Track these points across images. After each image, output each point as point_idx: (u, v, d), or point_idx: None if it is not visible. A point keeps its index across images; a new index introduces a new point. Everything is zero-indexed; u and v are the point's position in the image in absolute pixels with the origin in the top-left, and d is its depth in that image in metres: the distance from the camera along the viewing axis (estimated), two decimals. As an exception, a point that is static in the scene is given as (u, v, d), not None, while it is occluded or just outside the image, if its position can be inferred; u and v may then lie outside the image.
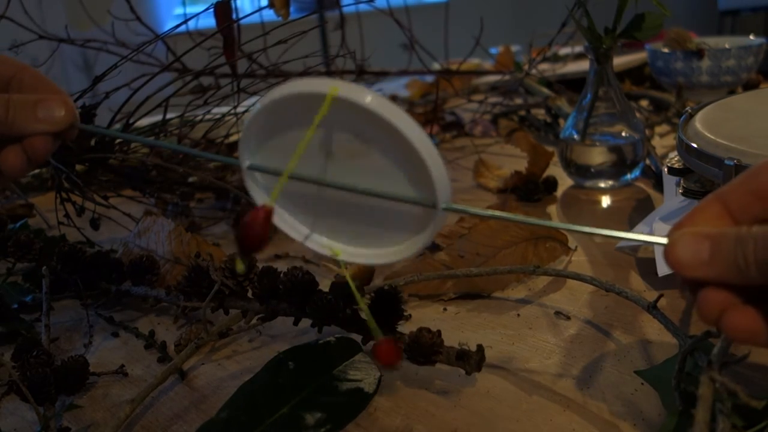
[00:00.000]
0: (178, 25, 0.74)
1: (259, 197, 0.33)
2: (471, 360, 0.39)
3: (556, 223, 0.32)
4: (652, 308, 0.41)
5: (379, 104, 0.27)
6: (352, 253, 0.33)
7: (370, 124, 0.28)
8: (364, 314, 0.33)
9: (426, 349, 0.39)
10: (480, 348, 0.39)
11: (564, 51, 1.32)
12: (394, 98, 1.30)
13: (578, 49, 1.31)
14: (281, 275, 0.44)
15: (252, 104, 0.81)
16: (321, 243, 0.34)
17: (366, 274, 0.53)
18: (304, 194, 0.33)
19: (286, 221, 0.34)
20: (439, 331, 0.40)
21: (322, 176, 0.31)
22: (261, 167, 0.32)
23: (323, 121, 0.28)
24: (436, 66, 1.01)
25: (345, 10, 0.88)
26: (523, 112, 1.08)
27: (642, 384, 0.38)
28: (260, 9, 0.75)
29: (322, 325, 0.44)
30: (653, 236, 0.28)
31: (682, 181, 0.57)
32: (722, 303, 0.26)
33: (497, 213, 0.30)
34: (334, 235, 0.34)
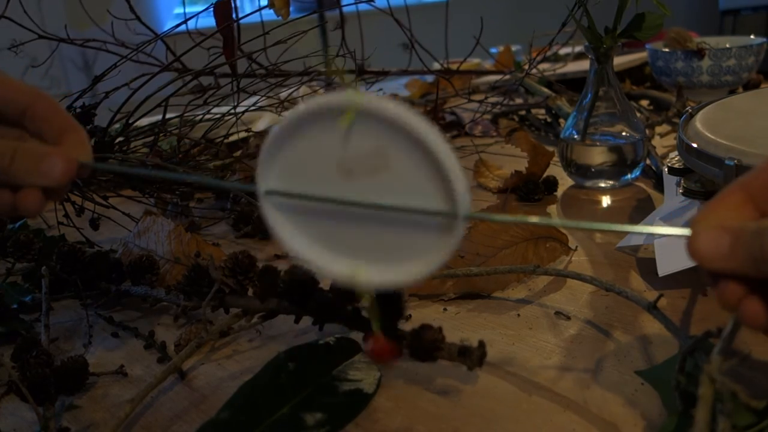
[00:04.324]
0: (177, 25, 0.74)
1: (277, 224, 0.32)
2: (473, 356, 0.39)
3: (583, 223, 0.31)
4: (653, 308, 0.41)
5: (402, 113, 0.27)
6: (375, 273, 0.31)
7: (392, 135, 0.28)
8: (368, 311, 0.32)
9: (428, 345, 0.39)
10: (481, 344, 0.39)
11: (564, 51, 1.32)
12: (394, 98, 1.30)
13: (578, 48, 1.31)
14: (282, 274, 0.44)
15: (255, 105, 0.81)
16: (341, 267, 0.32)
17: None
18: (320, 215, 0.32)
19: (300, 247, 0.33)
20: (440, 328, 0.40)
21: (341, 196, 0.31)
22: (280, 192, 0.32)
23: (342, 138, 0.28)
24: (436, 66, 1.01)
25: (345, 9, 0.88)
26: (523, 112, 1.08)
27: (642, 384, 0.38)
28: (260, 9, 0.75)
29: (323, 323, 0.44)
30: (675, 228, 0.28)
31: (682, 181, 0.56)
32: (741, 292, 0.27)
33: (521, 217, 0.30)
34: (353, 258, 0.32)
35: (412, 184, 0.29)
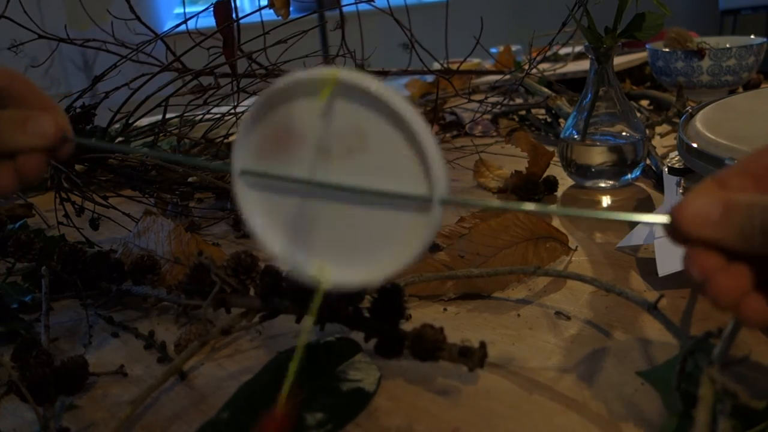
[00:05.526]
0: (177, 25, 0.74)
1: (249, 206, 0.32)
2: (474, 356, 0.39)
3: (559, 209, 0.31)
4: (653, 309, 0.41)
5: (383, 90, 0.27)
6: (342, 272, 0.31)
7: (371, 112, 0.28)
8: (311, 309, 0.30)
9: (429, 344, 0.39)
10: (483, 344, 0.39)
11: (564, 51, 1.32)
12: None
13: (578, 48, 1.31)
14: (283, 273, 0.44)
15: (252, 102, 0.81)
16: (307, 262, 0.32)
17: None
18: (294, 198, 0.32)
19: (270, 237, 0.32)
20: (441, 328, 0.40)
21: (316, 178, 0.30)
22: (255, 172, 0.32)
23: (320, 115, 0.28)
24: (436, 66, 1.01)
25: (345, 9, 0.88)
26: (523, 112, 1.08)
27: (642, 384, 0.38)
28: (260, 9, 0.75)
29: (324, 323, 0.44)
30: (654, 215, 0.28)
31: (682, 181, 0.57)
32: (741, 289, 0.27)
33: (494, 203, 0.30)
34: (321, 254, 0.32)
35: (389, 166, 0.29)
